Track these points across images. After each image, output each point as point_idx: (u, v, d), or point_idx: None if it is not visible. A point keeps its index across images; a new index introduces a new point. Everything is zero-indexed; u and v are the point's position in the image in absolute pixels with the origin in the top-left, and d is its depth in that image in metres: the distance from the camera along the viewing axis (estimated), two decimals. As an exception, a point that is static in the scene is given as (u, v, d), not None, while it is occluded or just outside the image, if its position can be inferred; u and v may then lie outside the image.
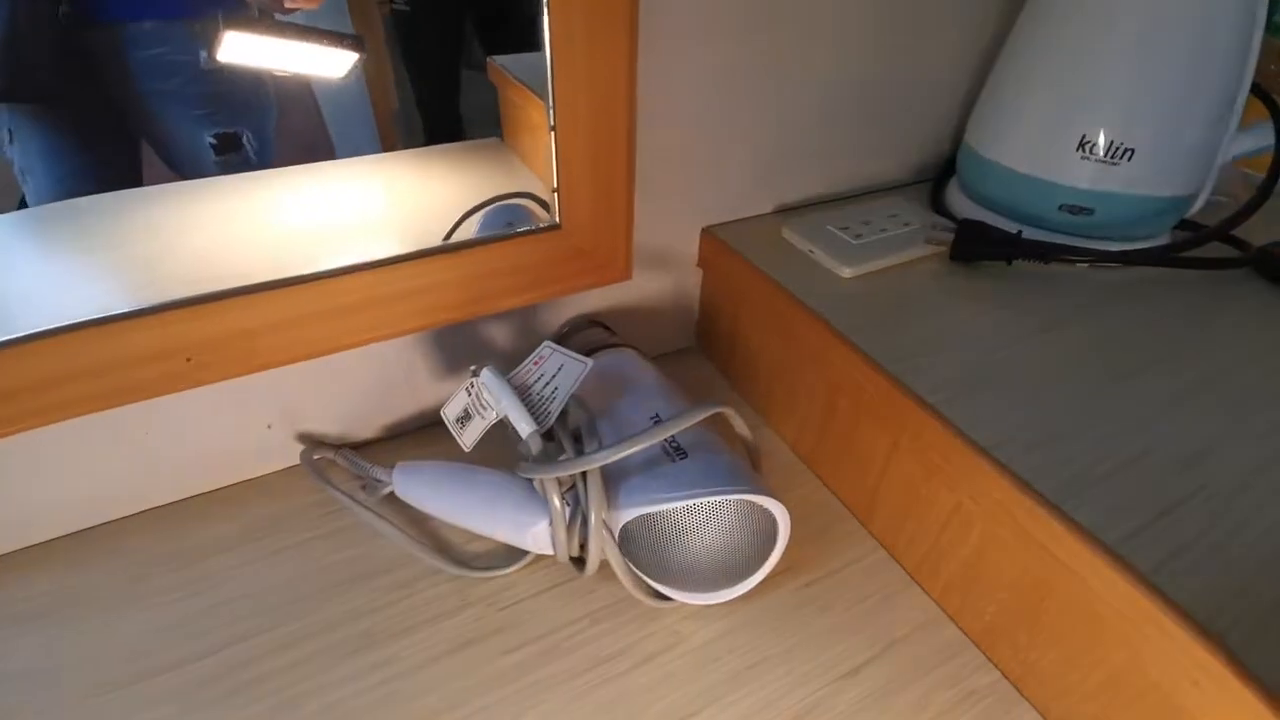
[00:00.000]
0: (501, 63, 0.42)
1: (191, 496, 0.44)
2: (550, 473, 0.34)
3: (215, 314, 0.36)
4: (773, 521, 0.35)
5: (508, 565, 0.40)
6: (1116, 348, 0.40)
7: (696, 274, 0.55)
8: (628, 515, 0.34)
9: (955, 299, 0.44)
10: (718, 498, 0.33)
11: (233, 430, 0.43)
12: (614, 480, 0.35)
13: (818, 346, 0.42)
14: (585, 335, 0.48)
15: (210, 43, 0.34)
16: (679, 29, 0.41)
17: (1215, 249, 0.47)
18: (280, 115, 0.38)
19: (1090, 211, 0.46)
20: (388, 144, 0.41)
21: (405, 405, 0.49)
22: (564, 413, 0.37)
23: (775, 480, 0.47)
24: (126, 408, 0.37)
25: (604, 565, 0.36)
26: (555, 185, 0.41)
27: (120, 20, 0.34)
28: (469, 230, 0.42)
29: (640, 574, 0.36)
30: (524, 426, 0.35)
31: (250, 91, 0.37)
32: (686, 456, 0.35)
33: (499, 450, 0.39)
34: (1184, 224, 0.51)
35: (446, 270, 0.41)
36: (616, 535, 0.35)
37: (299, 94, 0.37)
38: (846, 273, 0.46)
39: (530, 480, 0.37)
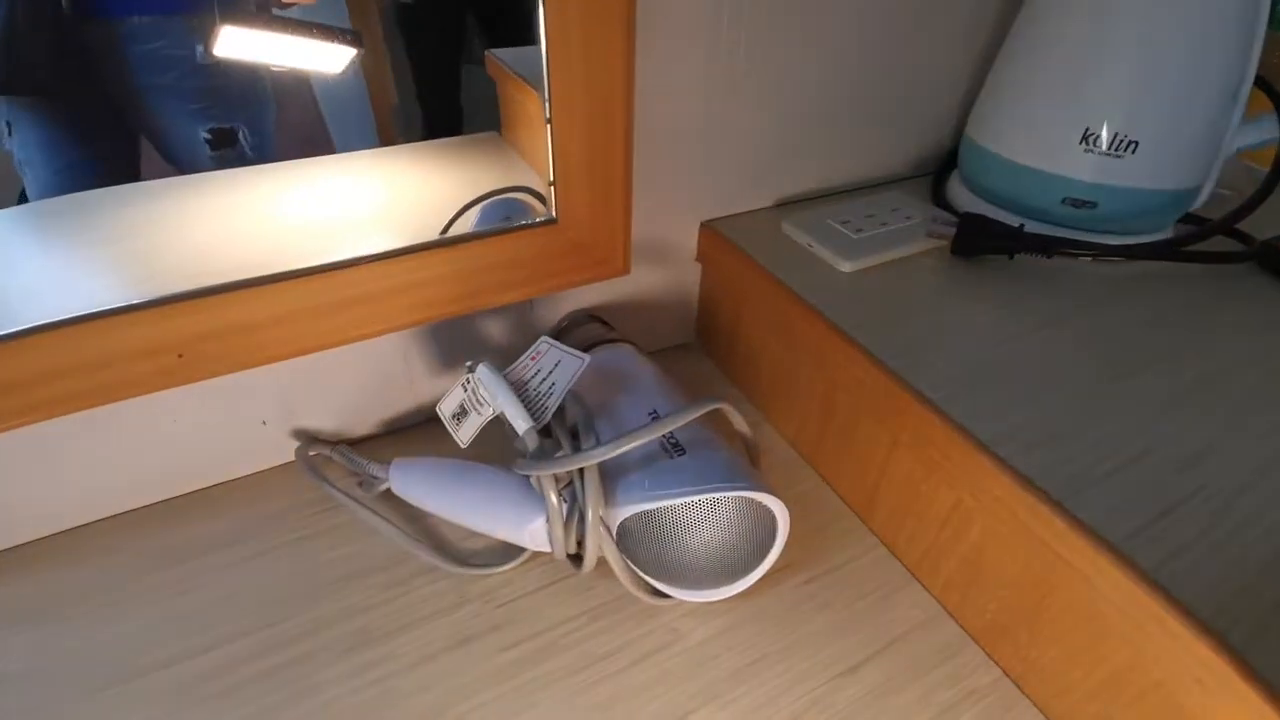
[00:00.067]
0: (500, 56, 0.42)
1: (186, 493, 0.44)
2: (547, 469, 0.34)
3: (210, 309, 0.36)
4: (772, 518, 0.34)
5: (505, 562, 0.39)
6: (1118, 345, 0.39)
7: (695, 269, 0.54)
8: (625, 512, 0.34)
9: (956, 294, 0.44)
10: (716, 494, 0.33)
11: (227, 427, 0.43)
12: (612, 477, 0.35)
13: (817, 342, 0.42)
14: (583, 330, 0.48)
15: (207, 37, 0.34)
16: (679, 21, 0.41)
17: (1219, 243, 0.47)
18: (279, 110, 0.38)
19: (1093, 205, 0.46)
20: (386, 139, 0.41)
21: (402, 401, 0.48)
22: (561, 409, 0.37)
23: (774, 477, 0.46)
24: (118, 404, 0.36)
25: (601, 562, 0.36)
26: (552, 179, 0.41)
27: (118, 15, 0.34)
28: (466, 224, 0.42)
29: (638, 571, 0.36)
30: (520, 423, 0.35)
31: (247, 86, 0.37)
32: (685, 453, 0.35)
33: (496, 447, 0.39)
34: (1188, 218, 0.50)
35: (443, 264, 0.41)
36: (614, 532, 0.35)
37: (297, 89, 0.37)
38: (847, 267, 0.45)
39: (527, 477, 0.36)
